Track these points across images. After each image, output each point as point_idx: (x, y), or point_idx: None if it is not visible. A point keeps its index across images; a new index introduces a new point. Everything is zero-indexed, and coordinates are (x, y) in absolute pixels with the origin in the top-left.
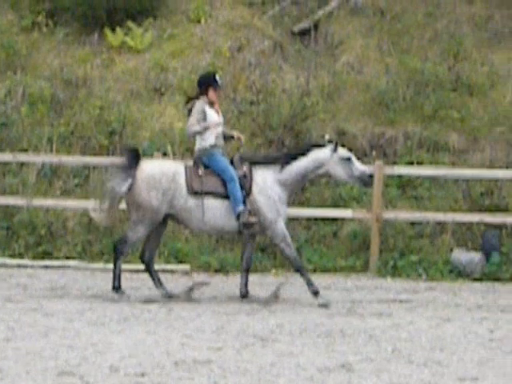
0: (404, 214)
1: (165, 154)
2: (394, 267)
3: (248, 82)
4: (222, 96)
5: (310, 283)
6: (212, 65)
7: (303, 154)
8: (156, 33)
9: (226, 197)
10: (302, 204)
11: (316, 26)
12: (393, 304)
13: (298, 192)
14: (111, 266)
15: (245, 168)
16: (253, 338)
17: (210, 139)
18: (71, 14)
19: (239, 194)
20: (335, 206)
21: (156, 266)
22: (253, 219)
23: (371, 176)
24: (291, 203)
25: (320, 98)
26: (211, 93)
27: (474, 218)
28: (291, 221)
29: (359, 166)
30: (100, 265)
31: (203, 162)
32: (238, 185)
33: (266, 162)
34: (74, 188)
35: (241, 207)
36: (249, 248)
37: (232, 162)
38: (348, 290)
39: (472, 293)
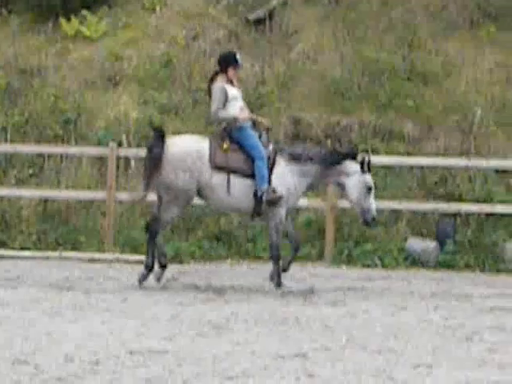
0: None
1: (120, 144)
2: (349, 256)
3: (203, 71)
4: (178, 84)
5: (277, 275)
6: (167, 54)
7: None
8: (111, 21)
9: (247, 175)
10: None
11: (271, 15)
12: (348, 292)
13: (316, 189)
14: (67, 254)
15: (271, 148)
16: (208, 327)
17: (233, 111)
18: (26, 3)
19: (266, 172)
20: None
21: (111, 256)
22: (277, 196)
23: (374, 219)
24: None
25: (275, 86)
26: (231, 71)
27: (429, 206)
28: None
29: (372, 203)
30: (56, 254)
31: (231, 136)
32: (266, 163)
33: (309, 158)
34: (28, 177)
35: (266, 185)
36: (292, 232)
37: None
38: (303, 278)
39: (427, 281)
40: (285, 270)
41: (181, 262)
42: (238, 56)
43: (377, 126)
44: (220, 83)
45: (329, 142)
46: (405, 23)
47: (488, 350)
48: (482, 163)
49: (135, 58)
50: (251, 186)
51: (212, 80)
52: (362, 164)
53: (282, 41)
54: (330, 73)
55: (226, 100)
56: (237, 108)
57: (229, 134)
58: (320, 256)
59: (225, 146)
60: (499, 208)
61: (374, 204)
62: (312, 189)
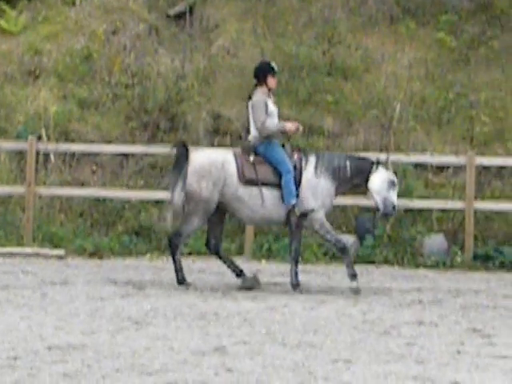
0: None
1: (39, 138)
2: (269, 250)
3: (123, 66)
4: (98, 79)
5: (349, 266)
6: (87, 48)
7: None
8: (30, 15)
9: (276, 186)
10: None
11: (191, 10)
12: (267, 287)
13: (346, 190)
14: None
15: (296, 157)
16: (127, 322)
17: (271, 125)
18: None
19: (294, 187)
20: None
21: (30, 250)
22: (308, 208)
23: (394, 208)
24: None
25: (195, 81)
26: (270, 80)
27: (348, 201)
28: (166, 204)
29: (394, 196)
30: None
31: (256, 151)
32: (293, 178)
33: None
34: None
35: (293, 200)
36: (296, 238)
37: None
38: (223, 273)
39: (346, 276)
40: (296, 287)
41: (101, 258)
42: (273, 64)
43: (297, 121)
44: (261, 96)
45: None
46: (324, 18)
47: (406, 344)
48: (401, 158)
49: (55, 52)
50: (281, 197)
51: (252, 93)
52: (382, 162)
53: (202, 36)
54: (250, 68)
55: (266, 111)
56: (273, 123)
57: (254, 148)
58: (240, 250)
59: (251, 158)
60: (418, 203)
61: (395, 196)
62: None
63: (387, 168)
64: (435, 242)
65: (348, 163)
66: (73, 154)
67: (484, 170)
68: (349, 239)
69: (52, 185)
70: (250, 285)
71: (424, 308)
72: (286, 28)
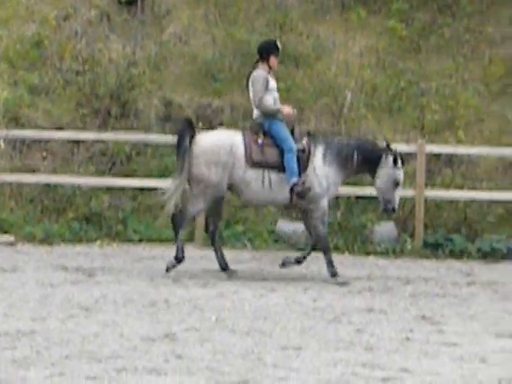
0: None
1: None
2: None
3: (74, 52)
4: (49, 65)
5: (330, 264)
6: (38, 34)
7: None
8: None
9: (281, 168)
10: (128, 174)
11: None
12: (218, 274)
13: (352, 177)
14: None
15: (304, 142)
16: (77, 309)
17: (268, 103)
18: None
19: (295, 165)
20: (161, 176)
21: None
22: (306, 188)
23: (394, 210)
24: (116, 172)
25: (147, 68)
26: (272, 59)
27: None
28: (117, 191)
29: (396, 196)
30: None
31: (263, 128)
32: (295, 156)
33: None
34: None
35: (295, 179)
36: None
37: (292, 134)
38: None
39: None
40: (299, 262)
41: (51, 244)
42: (278, 44)
43: (248, 109)
44: (262, 72)
45: (200, 123)
46: (276, 6)
47: (356, 332)
48: None
49: (5, 39)
50: (282, 178)
51: (253, 68)
52: (394, 159)
53: (153, 22)
54: (202, 55)
55: (266, 87)
56: (271, 99)
57: (262, 127)
58: (191, 238)
59: (259, 140)
60: (369, 191)
61: (397, 197)
62: (348, 177)
63: (396, 162)
64: (385, 229)
65: (356, 154)
66: (23, 141)
67: (434, 157)
68: (299, 227)
69: (2, 171)
70: (231, 277)
71: (374, 295)
72: (238, 15)
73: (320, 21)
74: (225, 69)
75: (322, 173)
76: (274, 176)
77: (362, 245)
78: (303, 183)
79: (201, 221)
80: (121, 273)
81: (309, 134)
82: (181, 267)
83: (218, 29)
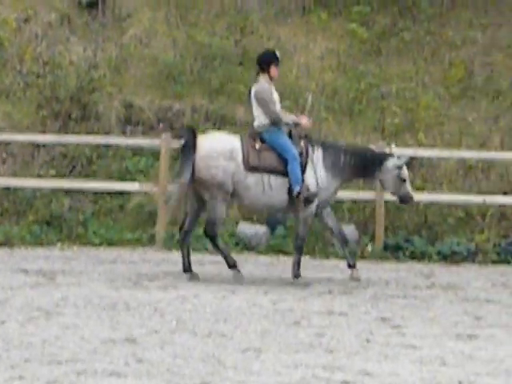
0: None
1: None
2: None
3: (34, 54)
4: (9, 67)
5: (297, 266)
6: None
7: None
8: None
9: (281, 173)
10: (88, 177)
11: None
12: (179, 277)
13: (348, 183)
14: None
15: (302, 144)
16: (37, 311)
17: (288, 117)
18: None
19: (299, 173)
20: (122, 178)
21: None
22: (312, 194)
23: (412, 199)
24: (77, 175)
25: (107, 70)
26: (273, 70)
27: None
28: (78, 194)
29: (408, 189)
30: None
31: (262, 138)
32: (299, 163)
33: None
34: None
35: (298, 187)
36: (334, 225)
37: (290, 137)
38: (134, 263)
39: (257, 265)
40: (351, 266)
41: (11, 247)
42: (277, 53)
43: (209, 111)
44: (266, 84)
45: (161, 126)
46: (237, 8)
47: (316, 334)
48: None
49: None
50: (285, 184)
51: (255, 81)
52: (402, 164)
53: (114, 25)
54: (163, 57)
55: (271, 100)
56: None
57: (259, 135)
58: (151, 240)
59: (257, 146)
60: None
61: (409, 186)
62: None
63: (395, 162)
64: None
65: (352, 158)
66: None
67: None
68: (260, 229)
69: None
70: (193, 279)
71: (334, 298)
72: (199, 17)
73: (281, 24)
74: (186, 71)
75: (315, 177)
76: (272, 180)
77: (323, 247)
78: (307, 189)
79: (161, 224)
80: (81, 275)
81: (305, 137)
82: (141, 270)
83: (179, 31)
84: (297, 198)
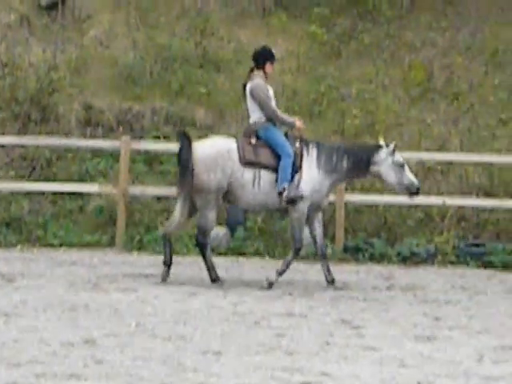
0: (150, 189)
1: None
2: (140, 242)
3: None
4: None
5: (287, 267)
6: None
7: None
8: None
9: (275, 170)
10: (48, 178)
11: (63, 0)
12: (138, 279)
13: (344, 183)
14: None
15: (297, 145)
16: None
17: (285, 116)
18: None
19: (290, 171)
20: (81, 180)
21: None
22: (298, 196)
23: (418, 189)
24: (36, 177)
25: (67, 72)
26: (268, 66)
27: None
28: (37, 196)
29: (410, 176)
30: None
31: (258, 135)
32: (291, 161)
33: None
34: None
35: (286, 184)
36: (319, 235)
37: (286, 138)
38: (94, 265)
39: (217, 267)
40: (330, 283)
41: None
42: (273, 51)
43: (169, 113)
44: (261, 81)
45: (121, 128)
46: (197, 10)
47: (276, 336)
48: None
49: None
50: (275, 181)
51: (249, 77)
52: (387, 146)
53: (74, 26)
54: (123, 59)
55: (268, 96)
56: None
57: (255, 132)
58: (111, 242)
59: (252, 141)
60: None
61: (411, 175)
62: (340, 183)
63: (393, 152)
64: (306, 234)
65: (345, 156)
66: None
67: None
68: (220, 231)
69: None
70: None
71: (294, 300)
72: (159, 19)
73: (241, 25)
74: (146, 73)
75: (309, 178)
76: (266, 177)
77: (283, 249)
78: (296, 189)
79: (121, 225)
80: (41, 278)
81: (301, 139)
82: (101, 272)
83: (139, 33)
84: (279, 196)
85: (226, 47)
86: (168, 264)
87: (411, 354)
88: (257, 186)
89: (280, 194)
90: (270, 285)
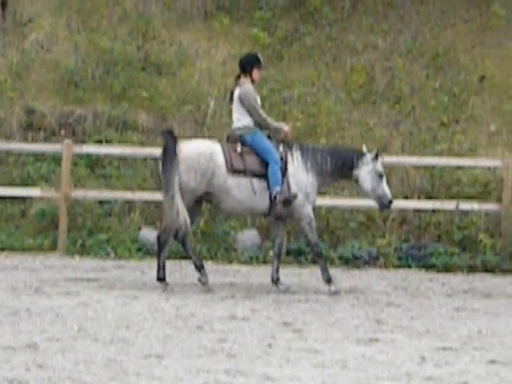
0: (93, 193)
1: None
2: (83, 246)
3: None
4: None
5: (325, 270)
6: None
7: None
8: None
9: (262, 176)
10: None
11: (4, 3)
12: (80, 283)
13: (330, 184)
14: None
15: (281, 149)
16: None
17: (275, 122)
18: None
19: (280, 175)
20: (23, 184)
21: None
22: (293, 195)
23: (390, 202)
24: None
25: (8, 76)
26: (255, 72)
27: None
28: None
29: (385, 188)
30: None
31: (243, 141)
32: (279, 166)
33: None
34: None
35: (278, 188)
36: (281, 234)
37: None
38: (36, 269)
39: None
40: (276, 282)
41: None
42: (260, 57)
43: (111, 117)
44: (250, 87)
45: (62, 132)
46: (139, 13)
47: (218, 339)
48: None
49: None
50: (267, 188)
51: (236, 84)
52: (370, 152)
53: (15, 30)
54: (64, 62)
55: (256, 102)
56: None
57: (240, 137)
58: (53, 246)
59: (238, 149)
60: None
61: (387, 188)
62: (324, 185)
63: (374, 159)
64: (248, 237)
65: (329, 159)
66: None
67: None
68: None
69: None
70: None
71: (237, 303)
72: (101, 23)
73: (183, 28)
74: (87, 76)
75: (300, 180)
76: (255, 184)
77: (226, 252)
78: (288, 190)
79: (63, 229)
80: None
81: (283, 142)
82: (43, 276)
83: (81, 36)
84: (274, 201)
85: (167, 50)
86: (199, 267)
87: (353, 357)
88: (245, 192)
89: (274, 198)
90: (336, 293)
